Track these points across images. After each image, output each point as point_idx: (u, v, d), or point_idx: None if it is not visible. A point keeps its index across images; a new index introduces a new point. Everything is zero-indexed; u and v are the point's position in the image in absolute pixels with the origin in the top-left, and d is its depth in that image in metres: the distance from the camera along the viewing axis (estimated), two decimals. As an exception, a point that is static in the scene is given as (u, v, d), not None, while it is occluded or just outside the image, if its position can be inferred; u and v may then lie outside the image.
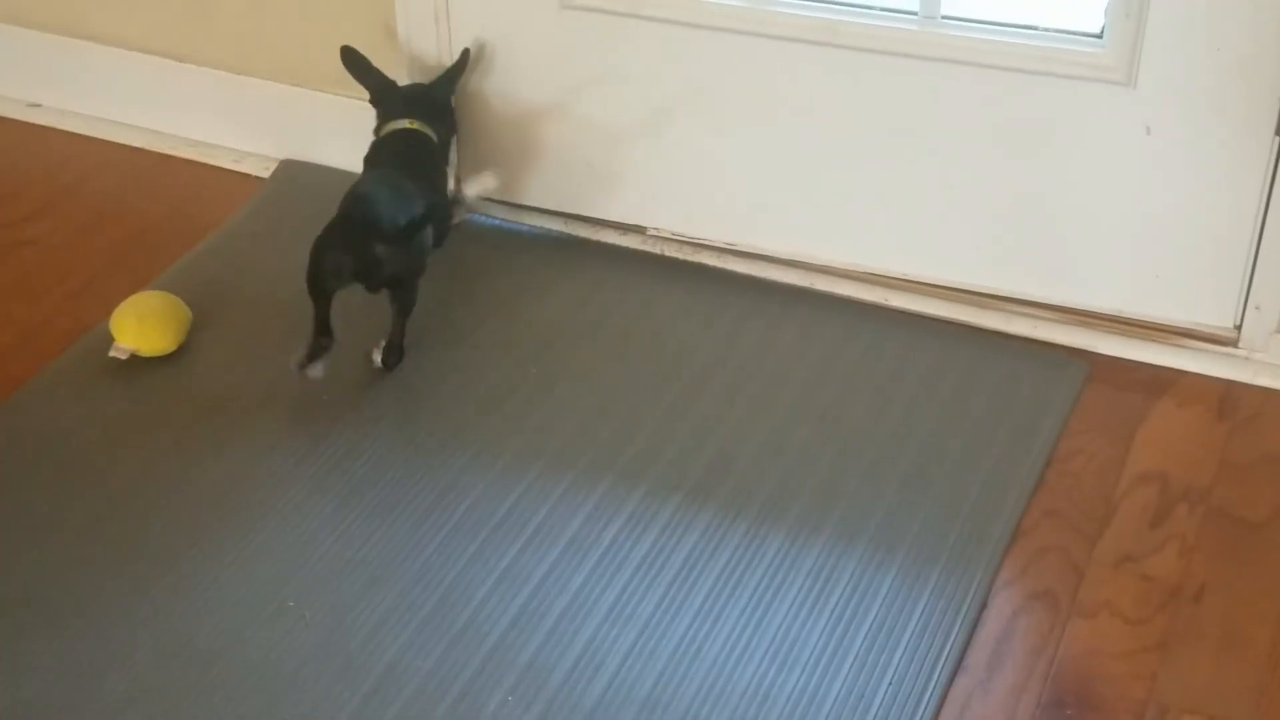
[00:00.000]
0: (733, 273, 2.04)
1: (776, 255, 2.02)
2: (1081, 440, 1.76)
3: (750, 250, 2.03)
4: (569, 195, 2.10)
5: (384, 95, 2.03)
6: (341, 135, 2.16)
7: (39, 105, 2.37)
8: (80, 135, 2.32)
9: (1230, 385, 1.83)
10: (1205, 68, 1.70)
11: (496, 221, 2.15)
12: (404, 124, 1.99)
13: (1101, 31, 1.75)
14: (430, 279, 2.02)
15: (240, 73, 2.21)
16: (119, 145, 2.30)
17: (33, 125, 2.36)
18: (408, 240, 1.81)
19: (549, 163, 2.09)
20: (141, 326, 1.86)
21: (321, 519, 1.67)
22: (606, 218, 2.09)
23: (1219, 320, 1.84)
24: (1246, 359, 1.84)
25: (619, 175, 2.06)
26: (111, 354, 1.86)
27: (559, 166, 2.08)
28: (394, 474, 1.72)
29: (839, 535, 1.63)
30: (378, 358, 1.87)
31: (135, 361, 1.86)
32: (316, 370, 1.81)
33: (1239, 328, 1.83)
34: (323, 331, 1.81)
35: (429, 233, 1.86)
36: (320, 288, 1.79)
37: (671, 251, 2.07)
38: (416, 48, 2.08)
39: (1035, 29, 1.80)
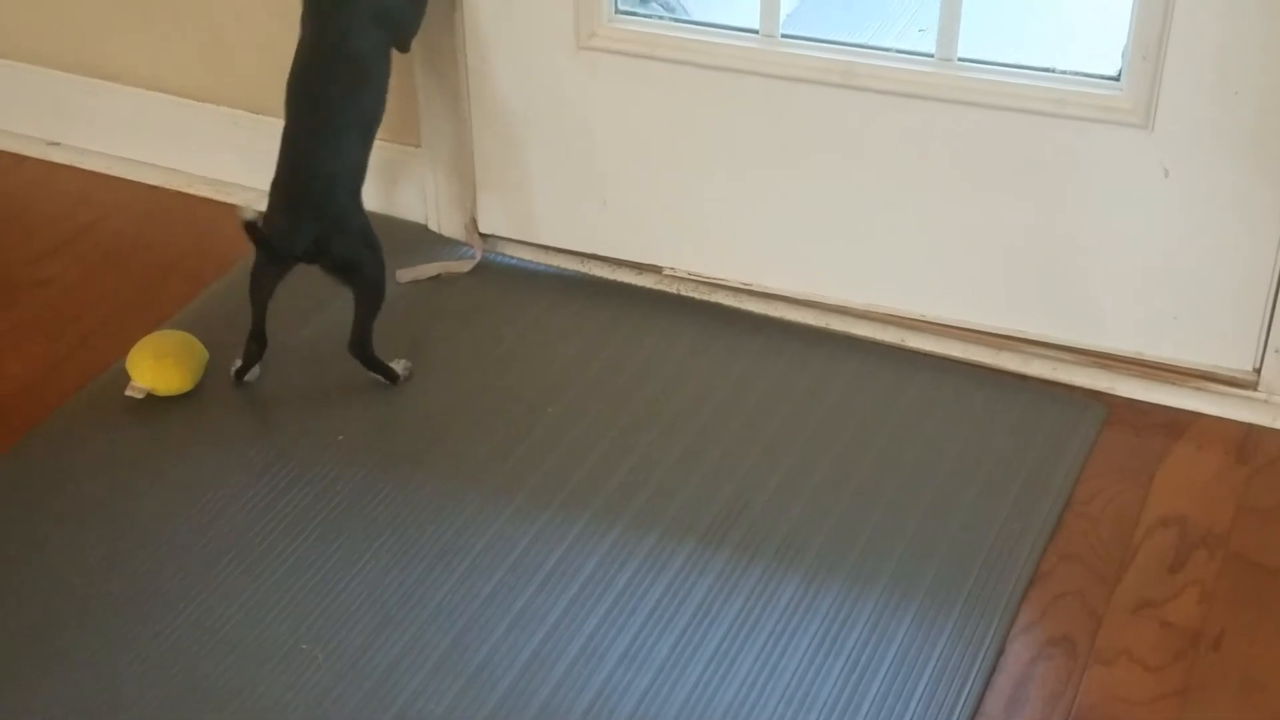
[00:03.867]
0: (749, 313, 2.04)
1: (793, 295, 2.01)
2: (1100, 483, 1.74)
3: (766, 290, 2.03)
4: (585, 235, 2.10)
5: None
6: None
7: (58, 144, 2.38)
8: (98, 173, 2.34)
9: (1250, 429, 1.81)
10: (1223, 111, 1.70)
11: (513, 261, 2.15)
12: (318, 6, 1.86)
13: (1119, 74, 1.75)
14: (446, 319, 2.02)
15: (258, 111, 2.22)
16: (137, 183, 2.31)
17: (52, 164, 2.37)
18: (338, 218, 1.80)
19: (565, 202, 2.09)
20: (158, 366, 1.87)
21: (336, 560, 1.66)
22: (623, 257, 2.09)
23: (1238, 363, 1.83)
24: (1266, 402, 1.82)
25: (635, 215, 2.06)
26: (128, 393, 1.86)
27: (575, 206, 2.09)
28: (410, 515, 1.72)
29: (855, 579, 1.62)
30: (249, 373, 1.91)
31: (151, 401, 1.87)
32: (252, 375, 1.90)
33: (1259, 371, 1.82)
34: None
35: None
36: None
37: (688, 291, 2.07)
38: (435, 95, 2.08)
39: (1052, 71, 1.79)
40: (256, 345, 1.89)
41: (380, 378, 1.90)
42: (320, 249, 1.81)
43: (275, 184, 1.83)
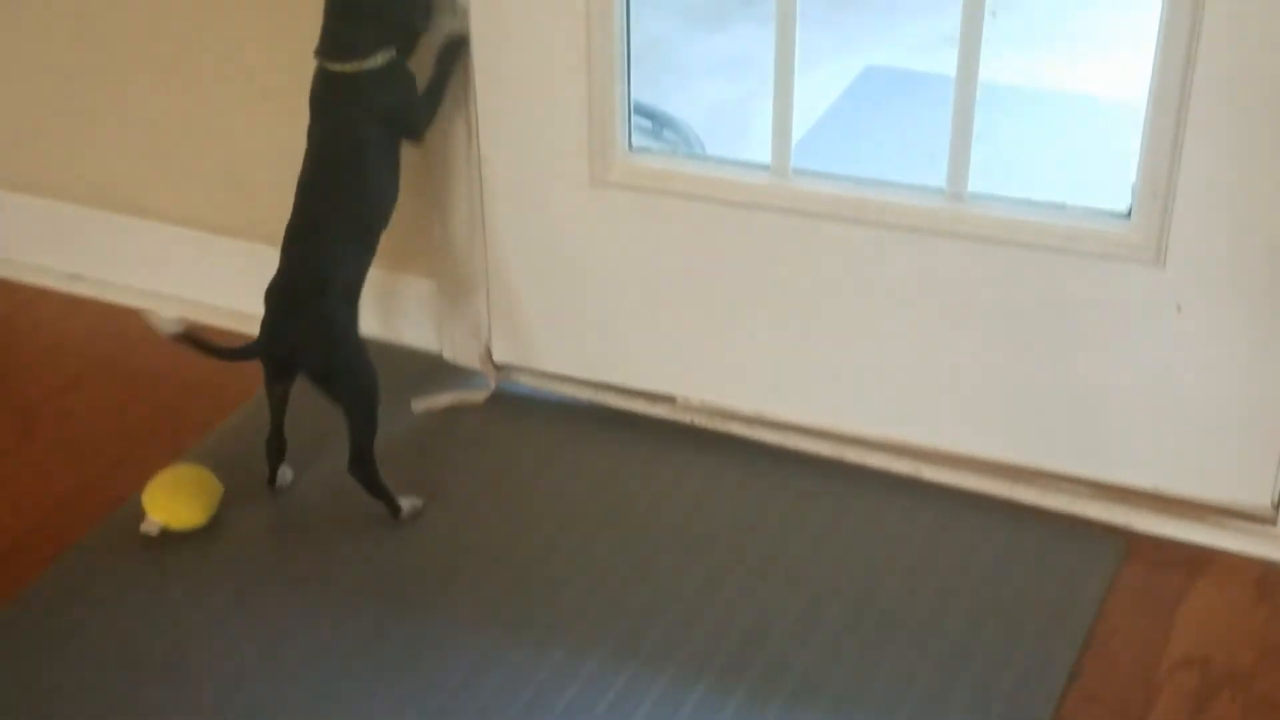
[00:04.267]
0: (763, 443, 2.03)
1: (806, 426, 2.01)
2: (1120, 621, 1.73)
3: (780, 421, 2.03)
4: (599, 365, 2.11)
5: None
6: (373, 305, 2.19)
7: (80, 277, 2.41)
8: (119, 306, 2.36)
9: (1269, 566, 1.80)
10: (1234, 249, 1.71)
11: (527, 390, 2.15)
12: (330, 66, 1.83)
13: (1129, 211, 1.76)
14: (460, 449, 2.02)
15: (277, 245, 2.24)
16: (157, 315, 2.34)
17: (73, 296, 2.40)
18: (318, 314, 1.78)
19: (579, 332, 2.10)
20: (172, 502, 1.87)
21: (351, 697, 1.65)
22: (637, 387, 2.10)
23: (1256, 499, 1.82)
24: (1285, 538, 1.81)
25: (649, 346, 2.07)
26: (143, 529, 1.87)
27: (589, 336, 2.10)
28: (424, 650, 1.71)
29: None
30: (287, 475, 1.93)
31: (166, 536, 1.87)
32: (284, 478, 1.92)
33: (1277, 507, 1.81)
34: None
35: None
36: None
37: (701, 421, 2.07)
38: (450, 226, 2.10)
39: (1063, 207, 1.81)
40: (273, 448, 1.91)
41: (383, 506, 1.86)
42: (300, 355, 1.78)
43: (269, 284, 1.82)
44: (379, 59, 1.81)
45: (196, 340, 1.76)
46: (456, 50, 1.91)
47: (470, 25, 1.94)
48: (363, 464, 1.84)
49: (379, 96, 1.82)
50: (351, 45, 1.80)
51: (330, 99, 1.83)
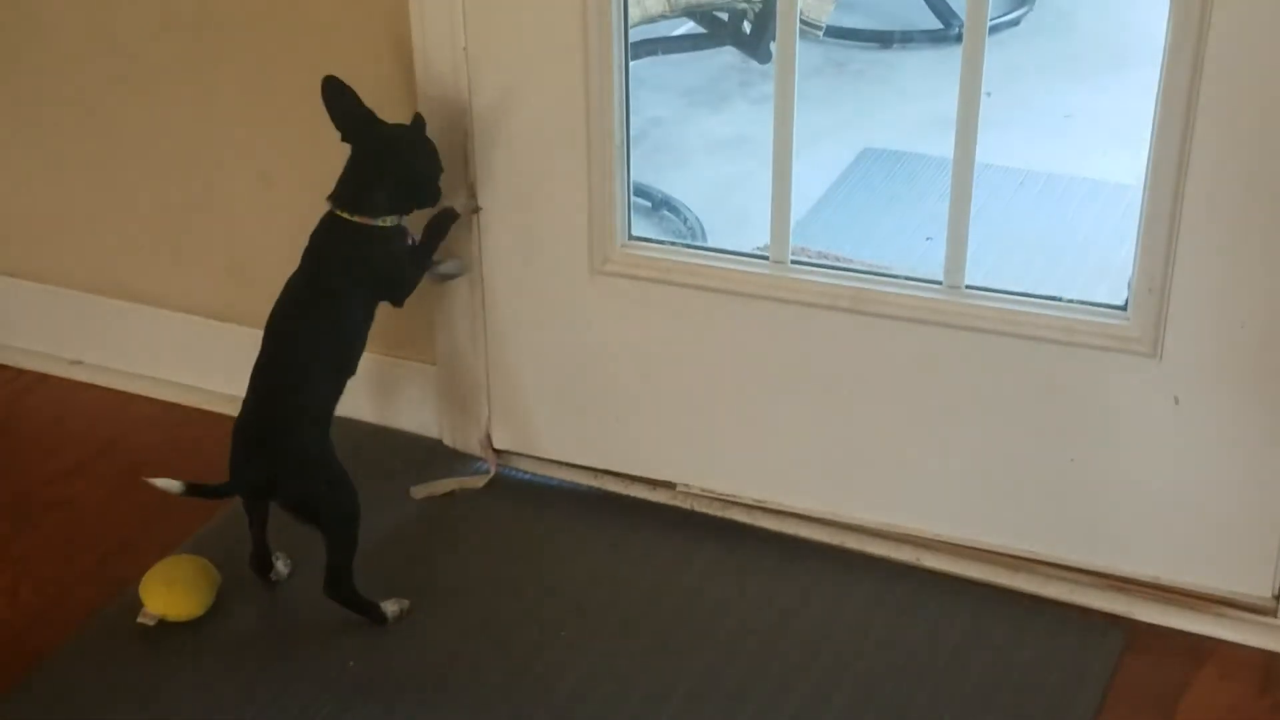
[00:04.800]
0: (764, 529, 2.03)
1: (807, 513, 2.01)
2: (1122, 712, 1.72)
3: (780, 508, 2.03)
4: (599, 451, 2.11)
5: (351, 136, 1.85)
6: (372, 390, 2.20)
7: (80, 362, 2.42)
8: (120, 391, 2.36)
9: (1272, 657, 1.79)
10: (1230, 343, 1.72)
11: (526, 476, 2.15)
12: (338, 213, 1.85)
13: (1125, 304, 1.77)
14: (457, 535, 2.02)
15: (277, 331, 2.25)
16: (158, 401, 2.34)
17: (74, 382, 2.40)
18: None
19: (578, 418, 2.11)
20: (169, 592, 1.86)
21: (346, 798, 1.64)
22: (636, 473, 2.10)
23: (1257, 589, 1.81)
24: (1287, 629, 1.81)
25: (649, 432, 2.07)
26: (140, 620, 1.86)
27: (588, 422, 2.10)
28: (420, 747, 1.70)
29: (875, 819, 1.59)
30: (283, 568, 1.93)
31: (164, 627, 1.86)
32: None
33: (1278, 598, 1.80)
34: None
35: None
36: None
37: (702, 507, 2.07)
38: (450, 313, 2.11)
39: (1059, 300, 1.82)
40: (257, 562, 1.91)
41: (366, 619, 1.85)
42: (274, 487, 1.80)
43: (237, 418, 1.84)
44: (389, 220, 1.87)
45: (194, 486, 1.79)
46: (447, 222, 1.96)
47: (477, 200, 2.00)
48: (339, 585, 1.83)
49: (378, 254, 1.87)
50: (370, 202, 1.85)
51: (332, 243, 1.87)
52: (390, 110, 1.91)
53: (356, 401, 2.23)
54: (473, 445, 2.18)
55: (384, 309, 1.93)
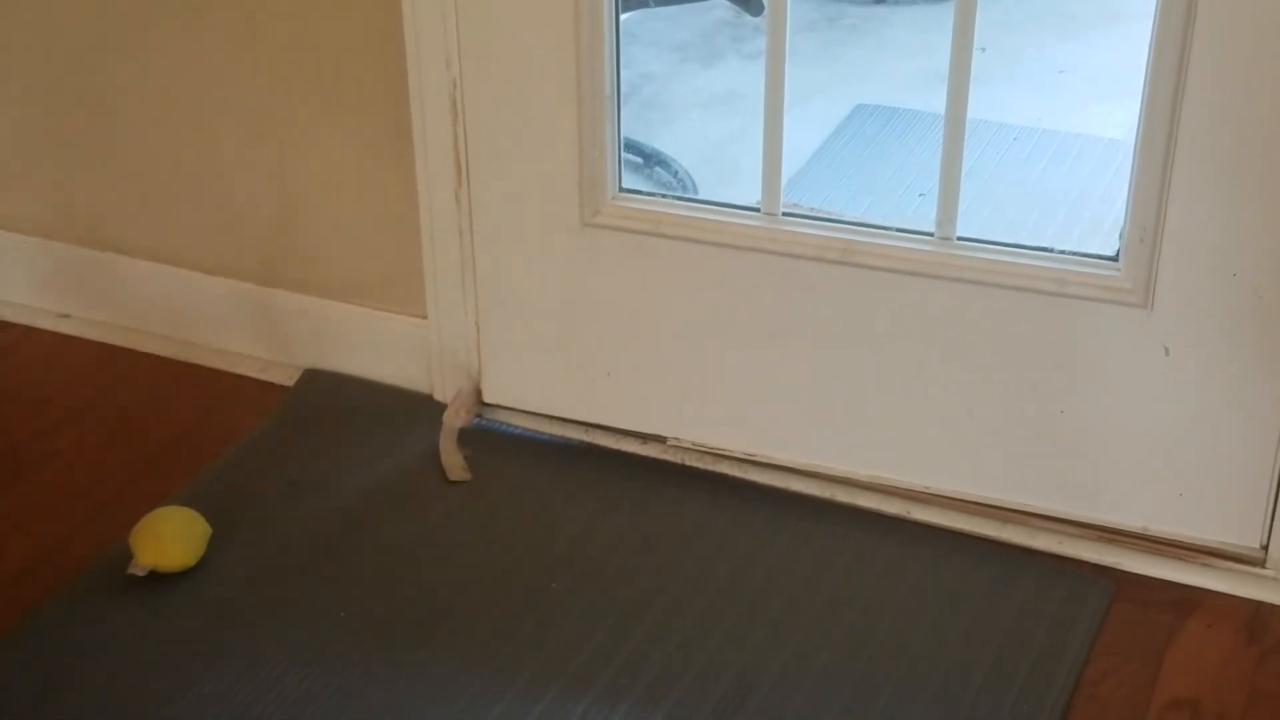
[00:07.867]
0: (753, 483, 2.03)
1: (797, 466, 2.01)
2: (1110, 662, 1.72)
3: (771, 461, 2.03)
4: (590, 405, 2.11)
5: None
6: (362, 344, 2.19)
7: (68, 316, 2.41)
8: (108, 344, 2.35)
9: (1259, 606, 1.80)
10: (1221, 293, 1.71)
11: (516, 430, 2.15)
12: None
13: (1117, 255, 1.77)
14: (448, 489, 2.02)
15: (267, 285, 2.25)
16: (146, 354, 2.33)
17: (61, 335, 2.39)
18: None
19: (569, 372, 2.10)
20: (159, 544, 1.86)
21: (336, 747, 1.64)
22: (627, 427, 2.10)
23: (1245, 540, 1.82)
24: (1275, 579, 1.81)
25: (640, 386, 2.07)
26: (130, 571, 1.86)
27: (580, 376, 2.10)
28: (412, 697, 1.70)
29: (863, 767, 1.60)
30: None
31: (154, 578, 1.86)
32: None
33: (1266, 548, 1.81)
34: None
35: None
36: None
37: (692, 461, 2.07)
38: (440, 268, 2.10)
39: (1050, 251, 1.82)
40: None
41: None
42: None
43: None
44: None
45: None
46: None
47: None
48: None
49: None
50: None
51: None
52: (375, 62, 1.90)
53: (351, 355, 2.23)
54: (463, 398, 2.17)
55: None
